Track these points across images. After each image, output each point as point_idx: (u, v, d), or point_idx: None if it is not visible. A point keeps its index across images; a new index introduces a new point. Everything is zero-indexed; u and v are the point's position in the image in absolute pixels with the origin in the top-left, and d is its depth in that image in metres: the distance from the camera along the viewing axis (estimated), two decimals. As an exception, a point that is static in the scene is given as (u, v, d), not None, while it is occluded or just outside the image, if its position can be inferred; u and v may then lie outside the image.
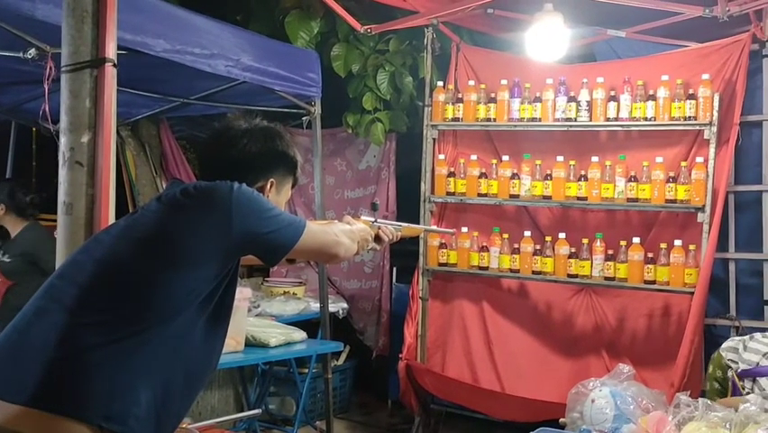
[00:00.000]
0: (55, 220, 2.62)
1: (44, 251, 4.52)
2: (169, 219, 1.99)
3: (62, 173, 2.59)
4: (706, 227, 4.41)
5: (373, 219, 2.56)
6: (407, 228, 2.71)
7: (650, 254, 4.60)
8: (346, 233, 2.29)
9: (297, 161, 2.30)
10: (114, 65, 2.63)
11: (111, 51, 2.60)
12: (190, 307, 1.92)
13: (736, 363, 3.38)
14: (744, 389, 3.27)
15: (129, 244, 1.96)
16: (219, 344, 2.09)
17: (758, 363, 3.27)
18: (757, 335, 3.47)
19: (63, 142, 2.60)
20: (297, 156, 2.30)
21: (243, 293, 4.07)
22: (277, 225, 2.03)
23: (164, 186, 6.31)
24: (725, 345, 3.58)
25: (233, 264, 2.03)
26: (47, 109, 3.06)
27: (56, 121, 2.71)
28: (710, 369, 3.60)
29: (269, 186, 2.20)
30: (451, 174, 5.18)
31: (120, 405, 1.80)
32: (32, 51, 3.23)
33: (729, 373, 3.39)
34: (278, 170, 2.23)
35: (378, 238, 2.54)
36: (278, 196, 2.24)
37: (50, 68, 3.03)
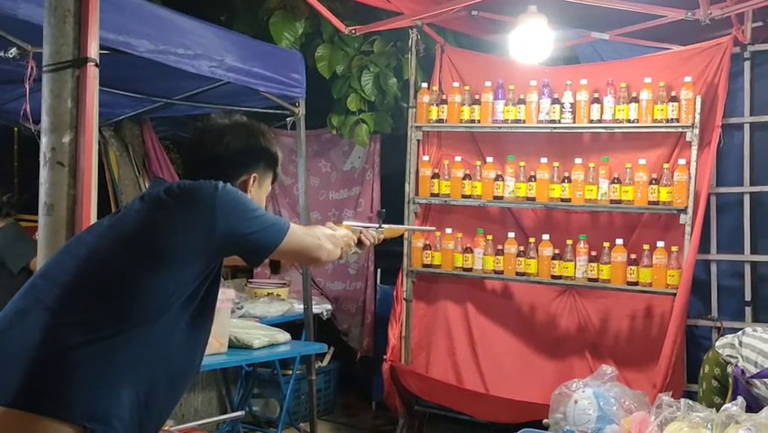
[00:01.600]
0: (37, 221, 2.60)
1: (11, 251, 4.50)
2: (152, 218, 1.99)
3: (43, 174, 2.57)
4: (688, 229, 4.44)
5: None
6: (389, 229, 2.72)
7: (633, 256, 4.63)
8: (329, 237, 2.30)
9: (278, 156, 2.31)
10: (97, 65, 2.61)
11: (93, 51, 2.58)
12: (174, 306, 1.92)
13: (736, 357, 3.44)
14: (751, 386, 3.32)
15: (112, 244, 1.96)
16: (202, 344, 2.09)
17: (756, 363, 3.33)
18: (748, 329, 3.56)
19: (44, 142, 2.58)
20: (278, 151, 2.31)
21: (227, 294, 4.05)
22: (260, 226, 2.04)
23: (147, 186, 6.28)
24: (719, 342, 3.65)
25: (216, 264, 2.03)
26: (28, 109, 3.03)
27: (37, 121, 2.68)
28: (705, 369, 3.64)
29: (251, 181, 2.21)
30: (435, 175, 5.19)
31: (104, 405, 1.80)
32: (14, 51, 3.20)
33: (729, 369, 3.43)
34: (260, 166, 2.25)
35: (360, 242, 2.56)
36: (259, 191, 2.26)
37: (32, 67, 3.01)
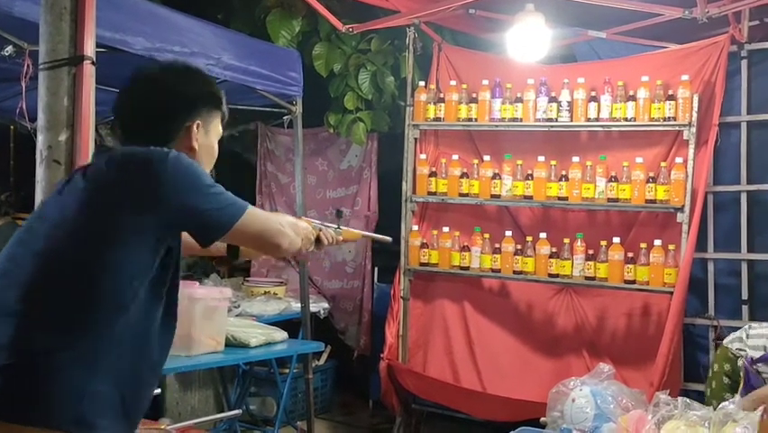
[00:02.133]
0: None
1: None
2: (98, 197, 1.89)
3: (39, 172, 2.57)
4: (685, 227, 4.45)
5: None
6: (347, 232, 2.62)
7: (630, 254, 4.63)
8: (291, 225, 2.12)
9: (220, 94, 2.16)
10: (93, 63, 2.61)
11: (89, 49, 2.59)
12: (139, 290, 1.84)
13: (744, 350, 3.56)
14: (760, 374, 3.38)
15: (64, 233, 1.86)
16: (171, 334, 2.01)
17: (766, 347, 3.46)
18: (754, 324, 3.75)
19: (40, 140, 2.58)
20: (219, 91, 2.17)
21: (224, 293, 4.05)
22: (216, 201, 1.91)
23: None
24: (727, 339, 3.75)
25: (174, 244, 1.94)
26: (24, 107, 3.03)
27: (34, 119, 2.68)
28: (715, 368, 3.74)
29: (195, 128, 2.05)
30: (432, 174, 5.18)
31: (88, 406, 1.75)
32: (10, 48, 3.20)
33: (740, 363, 3.52)
34: (202, 110, 2.08)
35: (318, 240, 2.37)
36: (207, 136, 2.10)
37: (28, 65, 3.01)
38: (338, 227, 2.49)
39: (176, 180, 1.86)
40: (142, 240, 1.85)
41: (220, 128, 2.17)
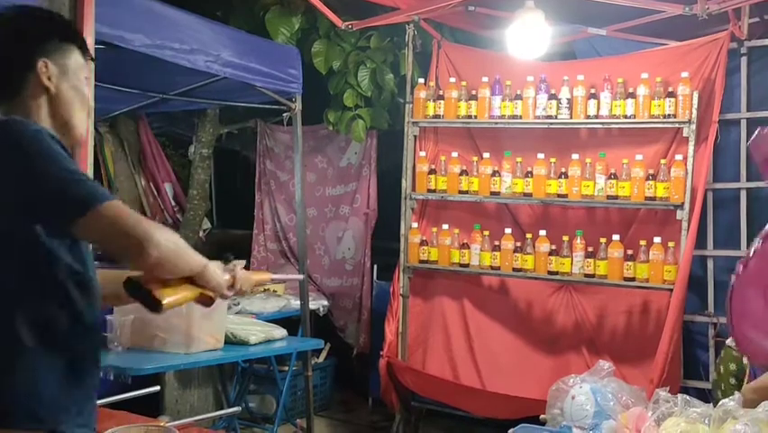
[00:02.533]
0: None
1: None
2: None
3: (39, 169, 2.55)
4: (685, 225, 4.44)
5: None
6: (257, 276, 2.39)
7: (629, 251, 4.63)
8: (173, 242, 1.75)
9: (67, 25, 1.89)
10: (92, 59, 2.59)
11: (88, 46, 2.57)
12: (45, 286, 1.73)
13: None
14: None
15: None
16: (98, 296, 1.87)
17: None
18: None
19: (40, 137, 2.56)
20: (64, 21, 1.90)
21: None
22: (75, 185, 1.65)
23: (142, 182, 6.27)
24: (729, 339, 3.75)
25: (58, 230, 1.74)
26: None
27: (32, 116, 2.67)
28: (721, 370, 3.75)
29: (42, 68, 1.77)
30: (432, 171, 5.18)
31: (38, 402, 1.71)
32: (8, 45, 3.18)
33: (745, 360, 3.50)
34: (46, 46, 1.79)
35: (232, 286, 2.15)
36: (66, 76, 1.82)
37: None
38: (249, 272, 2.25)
39: (30, 154, 1.64)
40: (13, 219, 1.69)
41: (85, 65, 1.89)
